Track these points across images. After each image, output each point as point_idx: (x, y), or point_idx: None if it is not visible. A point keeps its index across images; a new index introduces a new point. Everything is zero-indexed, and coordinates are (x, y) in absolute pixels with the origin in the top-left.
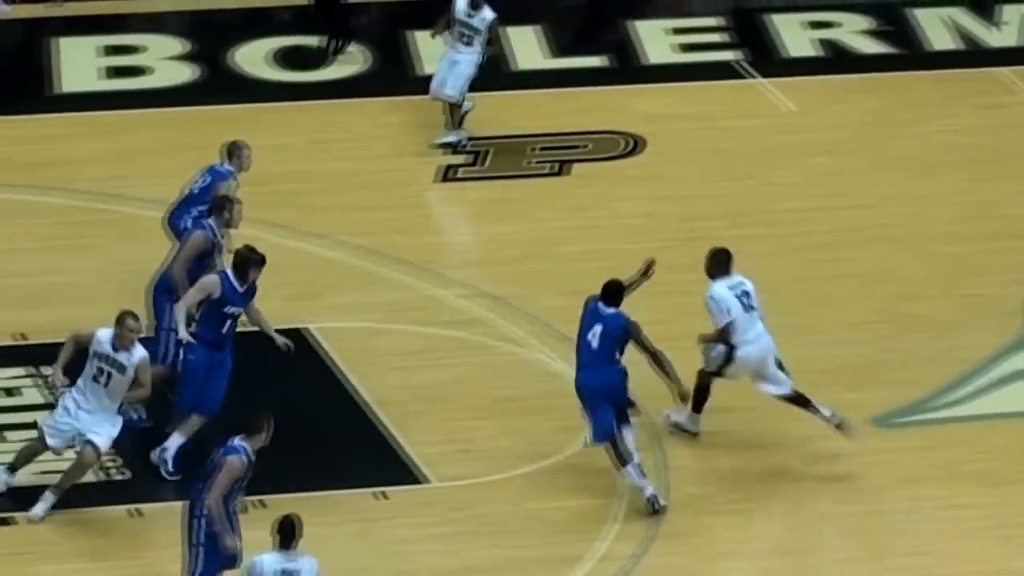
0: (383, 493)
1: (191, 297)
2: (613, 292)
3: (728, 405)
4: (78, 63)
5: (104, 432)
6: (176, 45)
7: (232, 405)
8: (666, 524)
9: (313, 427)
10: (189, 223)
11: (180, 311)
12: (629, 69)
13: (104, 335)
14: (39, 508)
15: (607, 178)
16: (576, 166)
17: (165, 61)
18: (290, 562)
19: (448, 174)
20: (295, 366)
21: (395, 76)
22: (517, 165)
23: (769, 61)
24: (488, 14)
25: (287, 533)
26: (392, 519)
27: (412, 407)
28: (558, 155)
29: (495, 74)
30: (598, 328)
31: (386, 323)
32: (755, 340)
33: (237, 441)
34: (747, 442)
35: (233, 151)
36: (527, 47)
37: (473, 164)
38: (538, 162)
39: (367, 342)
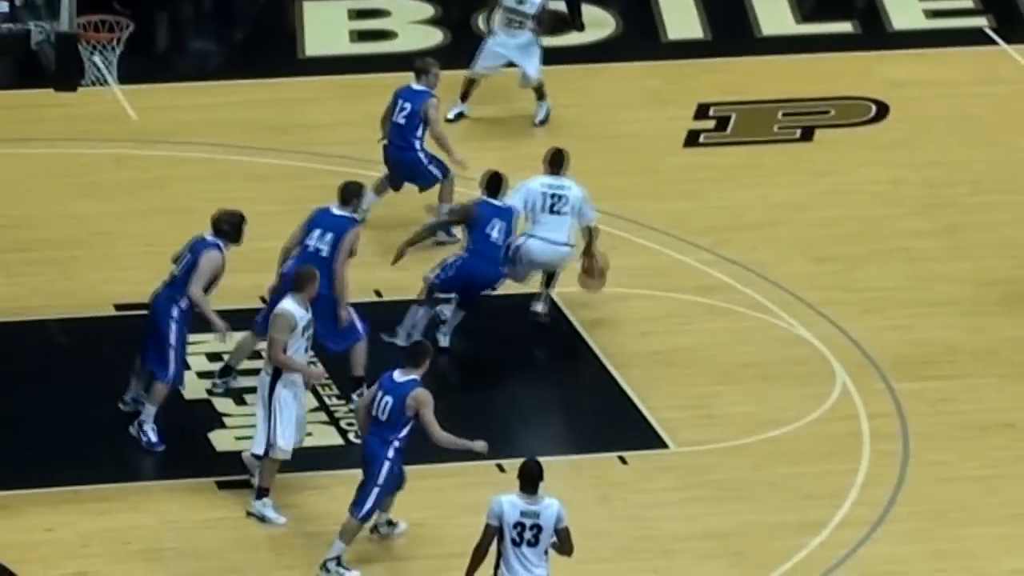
0: (623, 458)
1: (203, 279)
2: None
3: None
4: (325, 27)
5: None
6: (423, 9)
7: (482, 370)
8: (906, 491)
9: (556, 391)
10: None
11: (205, 302)
12: (876, 35)
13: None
14: None
15: (851, 144)
16: (820, 132)
17: (412, 25)
18: (531, 505)
19: (693, 139)
20: (543, 331)
21: (643, 41)
22: (762, 131)
23: (1016, 27)
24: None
25: (528, 478)
26: (632, 483)
27: (654, 372)
28: (803, 121)
29: (742, 38)
30: None
31: (630, 288)
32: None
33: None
34: (987, 407)
35: None
36: (774, 12)
37: (718, 129)
38: (782, 128)
39: (611, 306)
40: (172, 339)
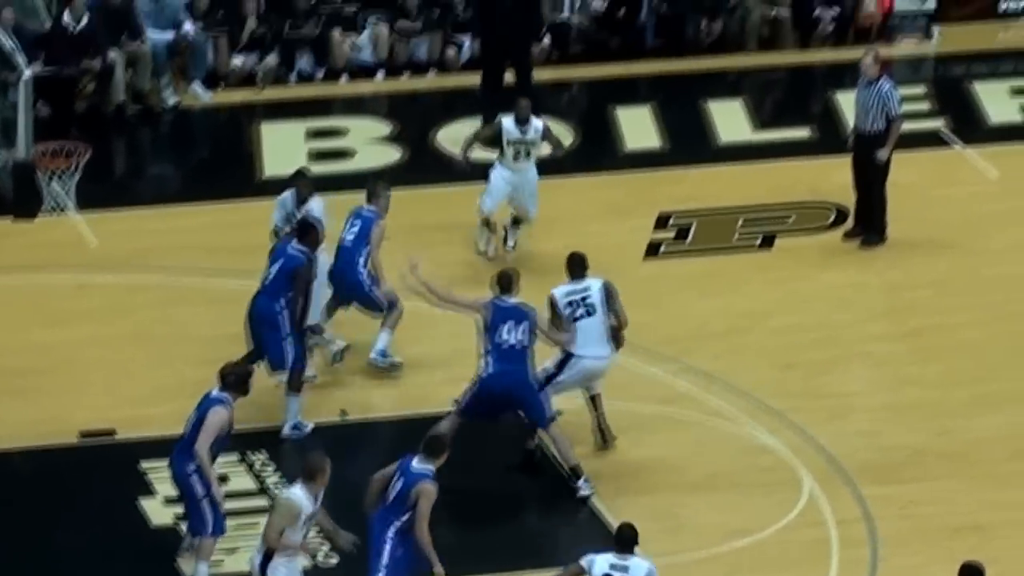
0: None
1: (210, 437)
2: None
3: (938, 475)
4: (283, 147)
5: None
6: (379, 127)
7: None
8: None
9: (523, 503)
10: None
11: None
12: (833, 140)
13: None
14: None
15: (813, 250)
16: (781, 238)
17: (369, 143)
18: (622, 560)
19: (654, 249)
20: (507, 442)
21: (600, 153)
22: (723, 239)
23: (974, 129)
24: (538, 123)
25: (624, 540)
26: None
27: (621, 483)
28: (763, 228)
29: (700, 147)
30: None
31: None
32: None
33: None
34: (956, 510)
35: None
36: (731, 120)
37: (679, 239)
38: (743, 235)
39: (576, 417)
40: (199, 493)
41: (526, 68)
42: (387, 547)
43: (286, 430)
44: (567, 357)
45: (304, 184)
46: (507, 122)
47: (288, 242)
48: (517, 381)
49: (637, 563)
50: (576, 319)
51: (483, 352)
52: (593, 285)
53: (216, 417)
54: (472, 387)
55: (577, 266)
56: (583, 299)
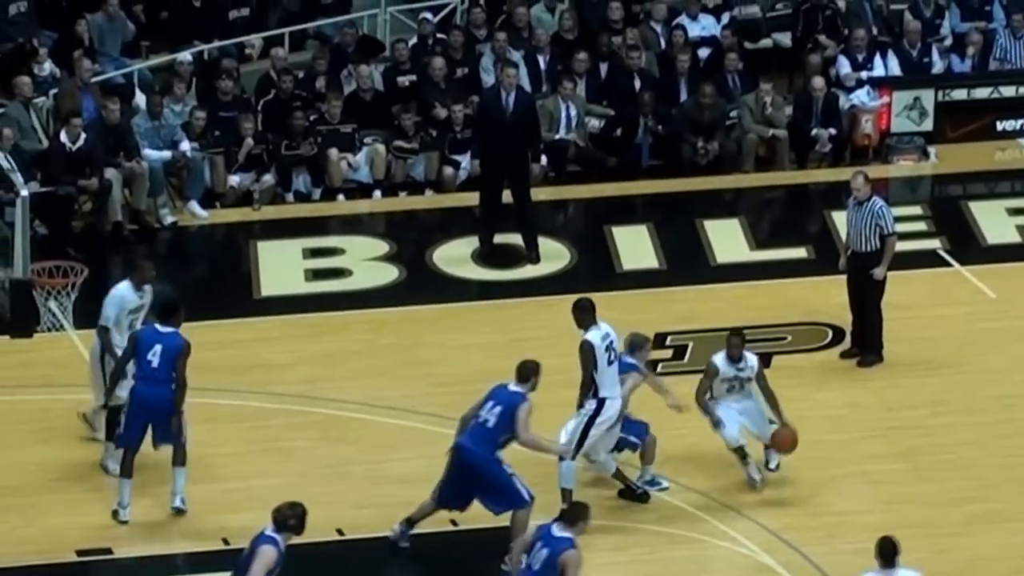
0: None
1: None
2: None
3: None
4: (280, 267)
5: None
6: (377, 246)
7: None
8: None
9: None
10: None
11: None
12: (830, 260)
13: None
14: None
15: (809, 369)
16: (778, 358)
17: (366, 262)
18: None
19: (651, 369)
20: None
21: (597, 272)
22: None
23: (970, 248)
24: (753, 359)
25: (886, 552)
26: None
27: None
28: (760, 347)
29: (697, 267)
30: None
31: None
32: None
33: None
34: None
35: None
36: (728, 240)
37: (676, 358)
38: None
39: None
40: None
41: (525, 187)
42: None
43: (176, 502)
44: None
45: (147, 268)
46: (719, 362)
47: (152, 325)
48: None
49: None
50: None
51: None
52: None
53: (264, 558)
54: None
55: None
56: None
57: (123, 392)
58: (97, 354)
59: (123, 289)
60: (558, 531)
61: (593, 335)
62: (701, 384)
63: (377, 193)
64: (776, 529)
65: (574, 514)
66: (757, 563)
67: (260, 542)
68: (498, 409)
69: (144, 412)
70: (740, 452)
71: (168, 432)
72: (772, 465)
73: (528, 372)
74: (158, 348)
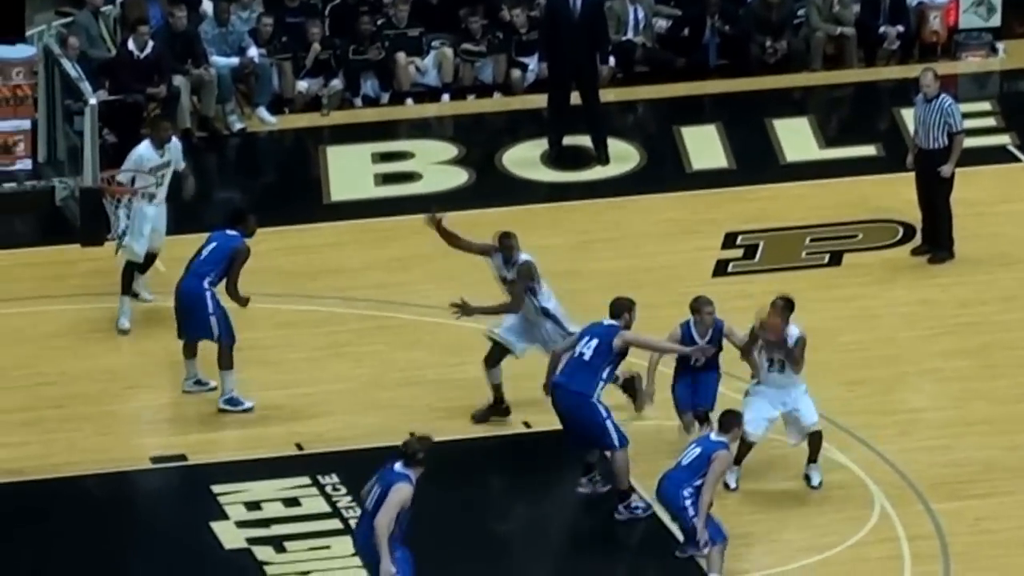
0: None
1: (392, 513)
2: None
3: (1009, 490)
4: (350, 172)
5: None
6: (446, 149)
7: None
8: None
9: (589, 524)
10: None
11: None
12: (899, 157)
13: None
14: None
15: (880, 267)
16: (848, 256)
17: (435, 166)
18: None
19: (722, 268)
20: (576, 466)
21: (666, 172)
22: (790, 257)
23: None
24: (795, 331)
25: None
26: None
27: None
28: (830, 245)
29: (767, 165)
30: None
31: (666, 419)
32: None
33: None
34: None
35: None
36: (798, 138)
37: (746, 257)
38: (810, 253)
39: (647, 437)
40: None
41: (593, 89)
42: (688, 503)
43: (221, 403)
44: None
45: (164, 127)
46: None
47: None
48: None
49: None
50: None
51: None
52: None
53: (398, 495)
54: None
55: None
56: None
57: (139, 248)
58: (111, 206)
59: (143, 148)
60: (716, 437)
61: None
62: (744, 347)
63: (445, 96)
64: (850, 427)
65: (728, 422)
66: (831, 461)
67: (393, 478)
68: (594, 343)
69: (176, 302)
70: (746, 448)
71: (198, 326)
72: (815, 483)
73: (621, 308)
74: (212, 245)
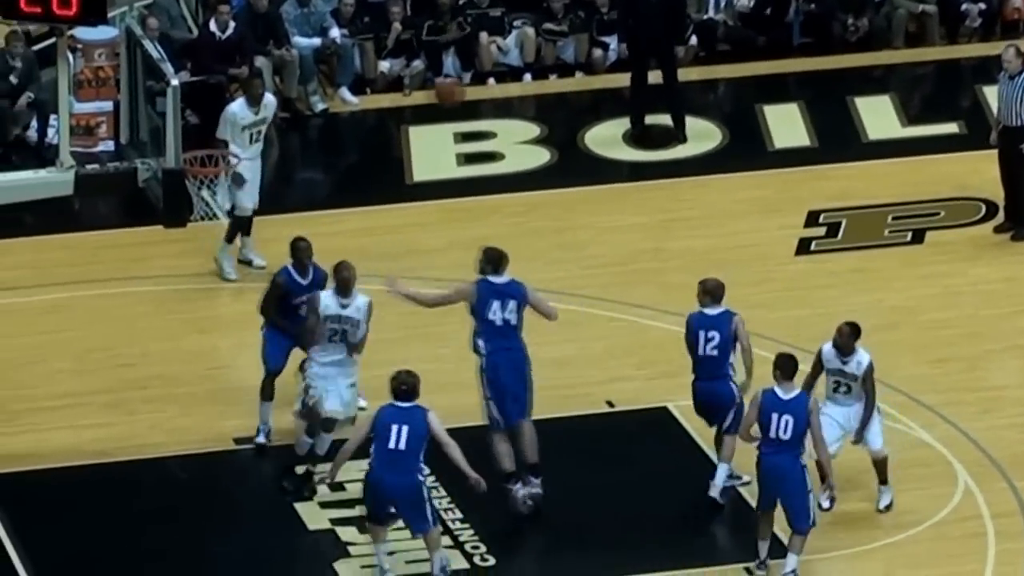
0: (749, 569)
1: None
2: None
3: None
4: (432, 151)
5: None
6: (528, 129)
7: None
8: None
9: (681, 502)
10: None
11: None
12: (983, 135)
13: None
14: None
15: (963, 244)
16: (931, 234)
17: (518, 146)
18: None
19: (805, 246)
20: (667, 445)
21: (748, 151)
22: (873, 235)
23: None
24: (864, 357)
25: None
26: None
27: None
28: (913, 223)
29: (849, 144)
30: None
31: (747, 398)
32: None
33: None
34: None
35: None
36: (880, 116)
37: (829, 236)
38: (893, 231)
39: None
40: (427, 495)
41: (672, 68)
42: (804, 472)
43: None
44: None
45: (256, 84)
46: (826, 349)
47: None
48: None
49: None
50: None
51: (475, 333)
52: None
53: (436, 420)
54: (482, 375)
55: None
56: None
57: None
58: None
59: (236, 106)
60: (784, 393)
61: None
62: (806, 378)
63: (527, 76)
64: (933, 405)
65: (788, 365)
66: (915, 439)
67: (416, 413)
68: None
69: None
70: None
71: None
72: (882, 505)
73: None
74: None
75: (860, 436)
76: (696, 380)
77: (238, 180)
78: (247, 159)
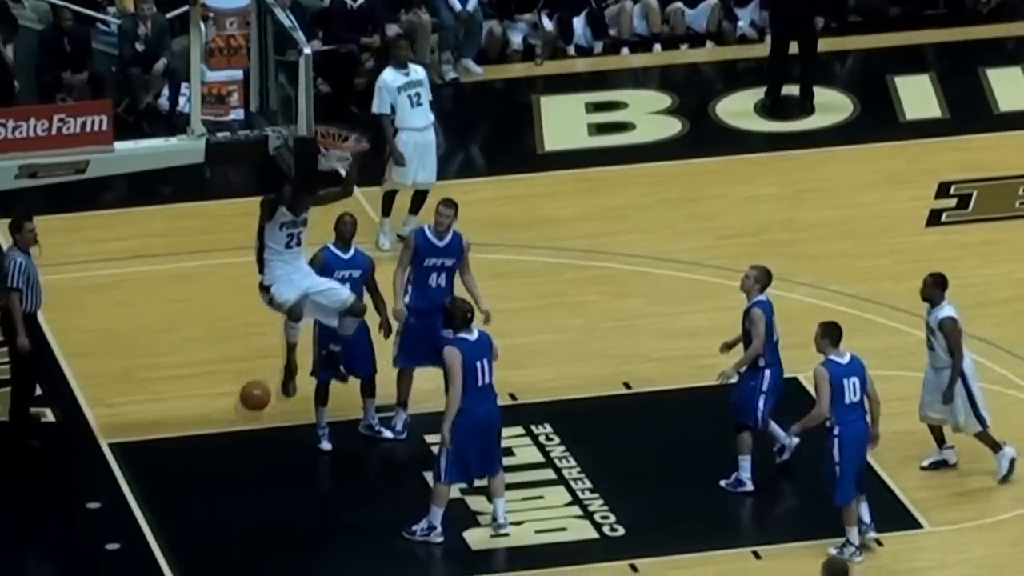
0: (878, 540)
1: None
2: None
3: None
4: (564, 121)
5: None
6: (660, 99)
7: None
8: None
9: (806, 474)
10: None
11: None
12: None
13: None
14: None
15: None
16: None
17: (649, 115)
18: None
19: (936, 218)
20: (790, 411)
21: (879, 122)
22: (1004, 206)
23: None
24: (945, 311)
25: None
26: (890, 565)
27: (907, 452)
28: None
29: (980, 115)
30: None
31: (881, 370)
32: None
33: None
34: None
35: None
36: (1012, 88)
37: (960, 207)
38: None
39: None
40: None
41: (812, 41)
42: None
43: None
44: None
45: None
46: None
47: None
48: None
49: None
50: None
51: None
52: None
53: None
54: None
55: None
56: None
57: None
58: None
59: (385, 74)
60: (841, 357)
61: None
62: None
63: (657, 46)
64: None
65: (836, 331)
66: None
67: (486, 341)
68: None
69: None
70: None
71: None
72: (1002, 472)
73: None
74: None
75: (946, 400)
76: None
77: (398, 158)
78: (409, 129)
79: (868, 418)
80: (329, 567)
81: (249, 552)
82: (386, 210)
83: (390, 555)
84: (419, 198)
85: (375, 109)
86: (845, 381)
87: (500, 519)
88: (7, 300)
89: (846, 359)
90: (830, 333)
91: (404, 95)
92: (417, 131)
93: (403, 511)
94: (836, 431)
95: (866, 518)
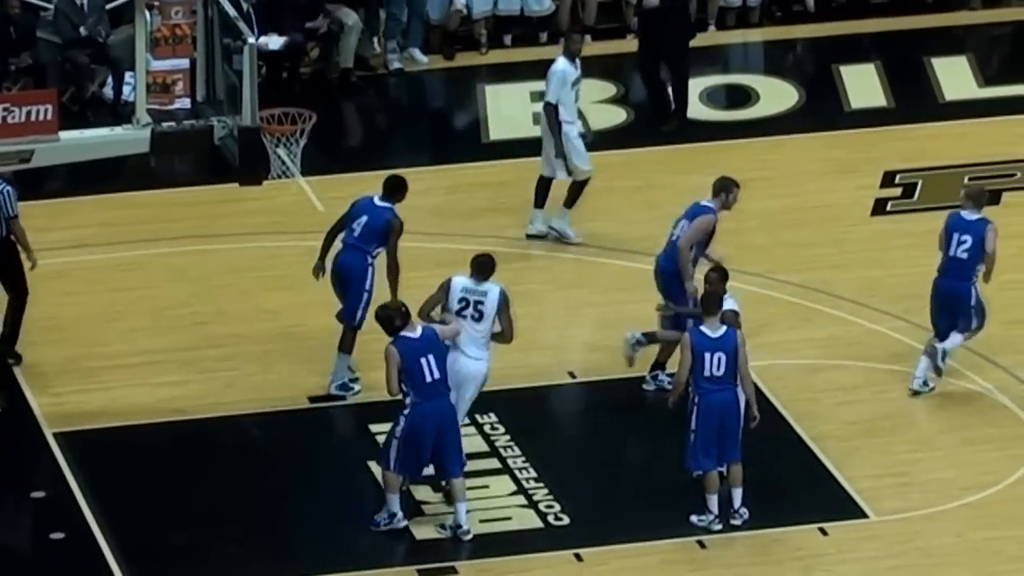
0: (823, 529)
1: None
2: None
3: None
4: (507, 110)
5: None
6: (604, 88)
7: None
8: None
9: (754, 464)
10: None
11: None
12: None
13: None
14: None
15: None
16: (1007, 195)
17: (594, 105)
18: (478, 286)
19: (881, 207)
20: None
21: (824, 111)
22: (949, 196)
23: None
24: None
25: (481, 267)
26: (835, 555)
27: (852, 442)
28: (989, 184)
29: (925, 104)
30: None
31: (824, 359)
32: None
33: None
34: None
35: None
36: (957, 77)
37: (905, 196)
38: None
39: (806, 378)
40: None
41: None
42: None
43: (332, 389)
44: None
45: (576, 39)
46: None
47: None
48: None
49: (491, 287)
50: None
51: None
52: (491, 291)
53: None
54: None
55: (482, 269)
56: (476, 302)
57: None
58: (546, 130)
59: (561, 64)
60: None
61: None
62: None
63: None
64: (1008, 366)
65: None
66: (991, 400)
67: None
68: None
69: (337, 277)
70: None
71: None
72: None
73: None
74: (363, 219)
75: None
76: (939, 277)
77: (573, 146)
78: (570, 122)
79: (739, 392)
80: (272, 556)
81: (194, 541)
82: (541, 200)
83: (334, 544)
84: (576, 188)
85: (550, 99)
86: (707, 354)
87: (464, 525)
88: None
89: (719, 332)
90: (707, 304)
91: (574, 90)
92: (574, 124)
93: (348, 499)
94: (696, 399)
95: (736, 502)
